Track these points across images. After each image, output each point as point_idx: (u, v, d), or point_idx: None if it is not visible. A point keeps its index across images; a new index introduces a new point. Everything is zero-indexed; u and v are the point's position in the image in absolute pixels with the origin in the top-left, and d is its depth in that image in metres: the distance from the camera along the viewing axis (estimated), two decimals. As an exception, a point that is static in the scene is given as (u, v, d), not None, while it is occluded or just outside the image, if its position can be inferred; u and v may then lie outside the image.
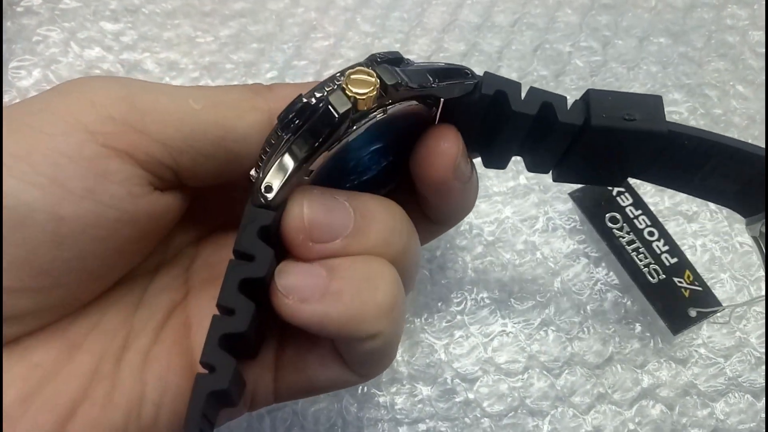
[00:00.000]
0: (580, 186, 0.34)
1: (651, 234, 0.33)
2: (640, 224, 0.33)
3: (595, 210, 0.34)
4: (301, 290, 0.18)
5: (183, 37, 0.39)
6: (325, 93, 0.18)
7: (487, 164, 0.23)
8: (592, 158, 0.22)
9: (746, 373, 0.32)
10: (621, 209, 0.34)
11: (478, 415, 0.31)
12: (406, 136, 0.21)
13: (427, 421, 0.31)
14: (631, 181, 0.34)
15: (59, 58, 0.37)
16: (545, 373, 0.32)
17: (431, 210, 0.24)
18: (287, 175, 0.18)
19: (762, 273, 0.34)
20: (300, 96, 0.18)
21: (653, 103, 0.21)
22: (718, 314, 0.32)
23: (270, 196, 0.18)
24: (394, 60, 0.19)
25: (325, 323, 0.18)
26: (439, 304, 0.33)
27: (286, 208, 0.19)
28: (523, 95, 0.20)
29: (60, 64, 0.37)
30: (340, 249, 0.19)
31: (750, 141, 0.37)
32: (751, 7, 0.41)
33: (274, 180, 0.18)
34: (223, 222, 0.24)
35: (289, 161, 0.18)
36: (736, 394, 0.31)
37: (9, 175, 0.17)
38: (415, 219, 0.22)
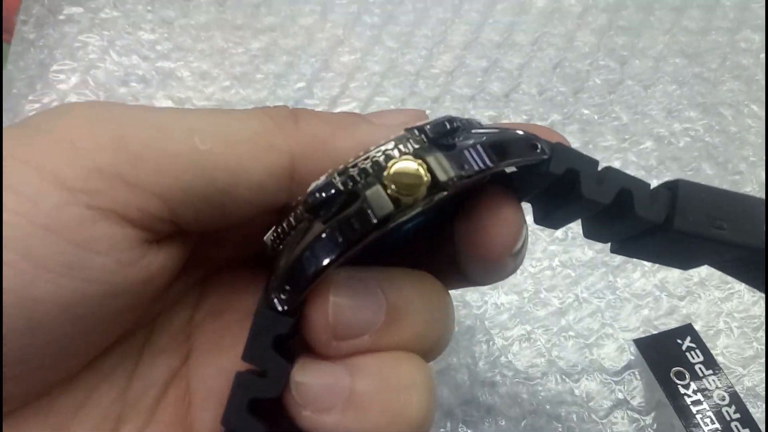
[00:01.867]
0: (650, 335, 0.32)
1: (721, 398, 0.30)
2: (710, 385, 0.30)
3: (661, 362, 0.31)
4: (321, 398, 0.16)
5: (215, 48, 0.41)
6: (362, 182, 0.15)
7: (538, 221, 0.20)
8: (663, 248, 0.19)
9: None
10: (690, 366, 0.31)
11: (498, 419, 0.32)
12: (451, 200, 0.18)
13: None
14: (703, 335, 0.32)
15: (98, 63, 0.39)
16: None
17: (472, 275, 0.20)
18: (308, 279, 0.15)
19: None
20: (331, 179, 0.15)
21: (753, 208, 0.18)
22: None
23: (291, 304, 0.16)
24: (447, 132, 0.16)
25: None
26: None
27: (308, 300, 0.16)
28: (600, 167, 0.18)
29: (98, 70, 0.39)
30: (368, 346, 0.16)
31: (764, 158, 0.38)
32: (764, 31, 0.43)
33: (294, 283, 0.16)
34: (233, 257, 0.20)
35: (312, 262, 0.15)
36: None
37: None
38: (449, 274, 0.19)
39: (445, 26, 0.43)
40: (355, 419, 0.16)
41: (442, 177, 0.15)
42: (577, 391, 0.32)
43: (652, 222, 0.18)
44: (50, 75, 0.38)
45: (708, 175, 0.38)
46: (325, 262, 0.15)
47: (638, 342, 0.32)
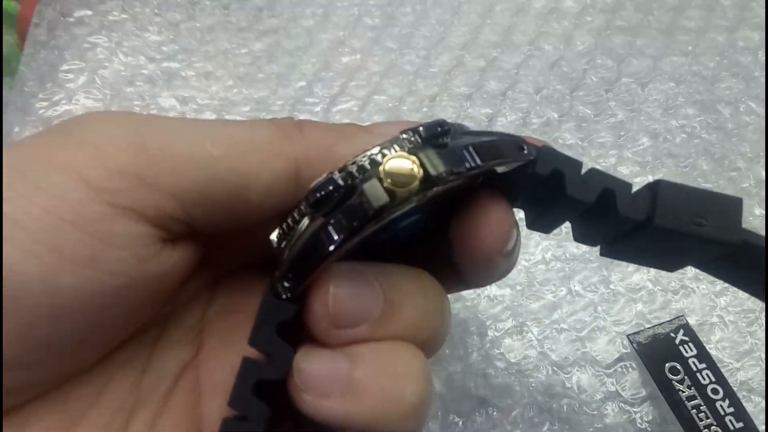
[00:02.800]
0: (638, 330, 0.32)
1: (715, 392, 0.30)
2: (704, 380, 0.30)
3: (654, 356, 0.31)
4: (322, 383, 0.17)
5: (219, 50, 0.42)
6: (360, 177, 0.16)
7: (530, 226, 0.22)
8: (647, 248, 0.20)
9: None
10: (683, 360, 0.31)
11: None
12: (448, 204, 0.20)
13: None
14: (697, 329, 0.32)
15: (105, 64, 0.40)
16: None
17: (467, 276, 0.21)
18: (312, 266, 0.17)
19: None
20: (331, 176, 0.16)
21: (731, 206, 0.18)
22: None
23: (293, 292, 0.17)
24: (438, 133, 0.17)
25: (347, 424, 0.17)
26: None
27: (308, 290, 0.17)
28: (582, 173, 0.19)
29: (106, 70, 0.40)
30: (366, 335, 0.17)
31: (761, 154, 0.38)
32: (762, 29, 0.43)
33: (297, 270, 0.17)
34: (244, 260, 0.22)
35: (314, 251, 0.16)
36: None
37: (6, 243, 0.15)
38: (447, 276, 0.20)
39: (444, 27, 0.44)
40: (353, 404, 0.16)
41: (433, 172, 0.16)
42: (568, 384, 0.32)
43: (633, 220, 0.18)
44: (60, 75, 0.40)
45: (704, 171, 0.38)
46: (327, 250, 0.16)
47: (632, 337, 0.32)
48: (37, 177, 0.16)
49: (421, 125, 0.17)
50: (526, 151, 0.18)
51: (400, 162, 0.16)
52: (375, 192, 0.15)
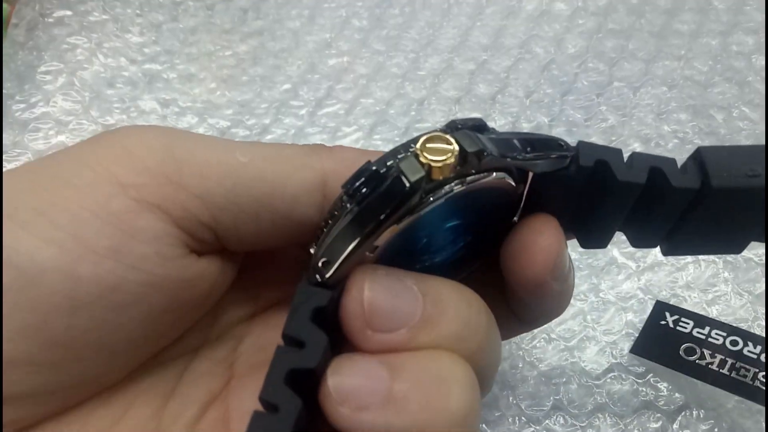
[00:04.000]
0: (637, 337, 0.31)
1: (734, 343, 0.29)
2: (717, 339, 0.29)
3: (666, 351, 0.30)
4: (359, 396, 0.15)
5: (203, 52, 0.41)
6: (395, 159, 0.16)
7: (585, 244, 0.21)
8: (708, 225, 0.19)
9: None
10: (690, 337, 0.30)
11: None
12: (488, 215, 0.19)
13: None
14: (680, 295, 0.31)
15: (85, 65, 0.39)
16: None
17: (520, 308, 0.20)
18: (349, 249, 0.16)
19: None
20: (368, 162, 0.16)
21: None
22: None
23: (327, 273, 0.16)
24: (476, 127, 0.17)
25: None
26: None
27: (344, 288, 0.17)
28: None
29: (86, 71, 0.39)
30: (405, 341, 0.16)
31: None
32: (757, 33, 0.42)
33: (333, 255, 0.16)
34: (283, 297, 0.21)
35: (351, 234, 0.16)
36: None
37: (26, 232, 0.15)
38: (499, 315, 0.19)
39: (433, 29, 0.43)
40: (395, 415, 0.15)
41: (470, 147, 0.15)
42: (557, 395, 0.31)
43: (690, 190, 0.18)
44: (38, 76, 0.39)
45: (697, 177, 0.37)
46: (366, 230, 0.16)
47: (634, 351, 0.31)
48: (68, 174, 0.16)
49: (459, 120, 0.17)
50: (564, 147, 0.18)
51: (436, 137, 0.15)
52: (411, 166, 0.15)
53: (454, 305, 0.17)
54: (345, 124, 0.39)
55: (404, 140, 0.16)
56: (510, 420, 0.31)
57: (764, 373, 0.28)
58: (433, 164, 0.15)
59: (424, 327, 0.16)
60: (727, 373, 0.28)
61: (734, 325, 0.30)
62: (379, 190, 0.15)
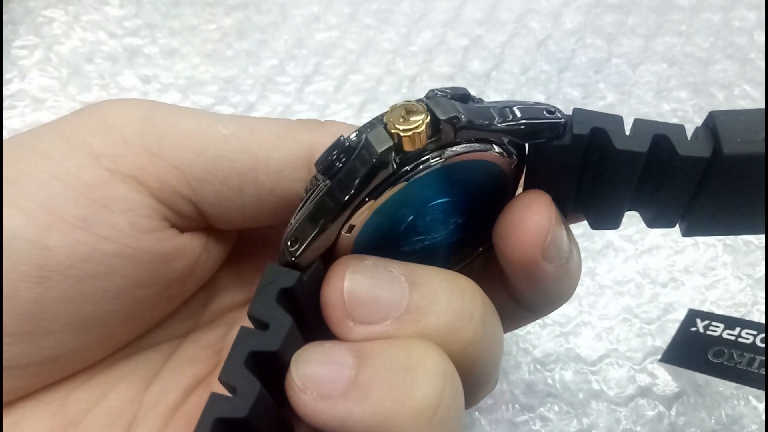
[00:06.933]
0: (667, 347, 0.30)
1: (763, 340, 0.28)
2: (747, 339, 0.28)
3: (694, 356, 0.29)
4: (321, 383, 0.15)
5: (185, 25, 0.40)
6: (366, 131, 0.15)
7: (595, 225, 0.19)
8: (729, 199, 0.17)
9: None
10: (719, 340, 0.28)
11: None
12: (481, 193, 0.18)
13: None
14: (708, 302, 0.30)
15: (62, 39, 0.38)
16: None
17: (517, 294, 0.19)
18: (318, 228, 0.15)
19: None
20: (341, 136, 0.15)
21: None
22: None
23: (296, 253, 0.15)
24: (458, 96, 0.16)
25: (347, 427, 0.14)
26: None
27: (326, 276, 0.16)
28: (627, 130, 0.16)
29: (63, 46, 0.38)
30: (390, 333, 0.16)
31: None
32: (759, 9, 0.41)
33: (302, 234, 0.15)
34: None
35: (321, 211, 0.15)
36: None
37: None
38: (502, 303, 0.18)
39: (425, 3, 0.41)
40: (356, 404, 0.14)
41: (442, 114, 0.14)
42: (551, 381, 0.31)
43: (699, 159, 0.16)
44: (13, 51, 0.37)
45: (696, 157, 0.36)
46: (335, 207, 0.15)
47: (664, 359, 0.30)
48: (44, 145, 0.16)
49: (439, 89, 0.16)
50: (555, 113, 0.16)
51: (408, 105, 0.14)
52: (379, 136, 0.14)
53: (446, 296, 0.16)
54: (334, 101, 0.38)
55: None
56: (504, 407, 0.30)
57: None
58: (402, 134, 0.14)
59: (410, 318, 0.16)
60: (756, 370, 0.28)
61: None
62: (347, 163, 0.14)
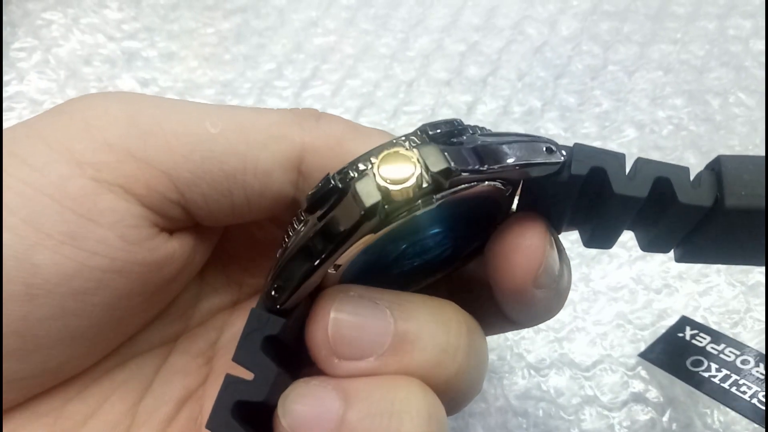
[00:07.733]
0: (650, 344, 0.30)
1: (745, 362, 0.28)
2: (729, 356, 0.29)
3: (673, 360, 0.29)
4: (309, 426, 0.15)
5: (184, 29, 0.40)
6: (355, 176, 0.14)
7: (588, 244, 0.19)
8: (727, 239, 0.17)
9: None
10: (702, 351, 0.29)
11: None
12: (474, 219, 0.17)
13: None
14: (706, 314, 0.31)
15: (61, 42, 0.38)
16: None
17: (508, 312, 0.19)
18: (301, 275, 0.15)
19: None
20: (328, 175, 0.14)
21: None
22: None
23: (280, 301, 0.15)
24: (449, 132, 0.15)
25: None
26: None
27: (310, 312, 0.16)
28: (627, 167, 0.16)
29: (61, 48, 0.38)
30: (374, 369, 0.16)
31: (751, 148, 0.36)
32: (754, 17, 0.41)
33: (286, 281, 0.15)
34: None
35: (303, 259, 0.15)
36: None
37: None
38: (488, 312, 0.18)
39: (422, 9, 0.42)
40: None
41: (435, 166, 0.14)
42: (545, 387, 0.31)
43: (700, 207, 0.16)
44: (11, 53, 0.37)
45: (691, 164, 0.36)
46: (319, 257, 0.14)
47: (643, 355, 0.30)
48: (24, 152, 0.15)
49: (432, 123, 0.15)
50: (555, 152, 0.16)
51: (396, 157, 0.14)
52: (366, 189, 0.14)
53: (430, 331, 0.16)
54: (331, 105, 0.38)
55: (391, 125, 0.15)
56: (497, 413, 0.30)
57: (764, 393, 0.27)
58: (391, 188, 0.14)
59: (395, 354, 0.16)
60: (727, 388, 0.28)
61: (751, 346, 0.29)
62: (333, 211, 0.14)
